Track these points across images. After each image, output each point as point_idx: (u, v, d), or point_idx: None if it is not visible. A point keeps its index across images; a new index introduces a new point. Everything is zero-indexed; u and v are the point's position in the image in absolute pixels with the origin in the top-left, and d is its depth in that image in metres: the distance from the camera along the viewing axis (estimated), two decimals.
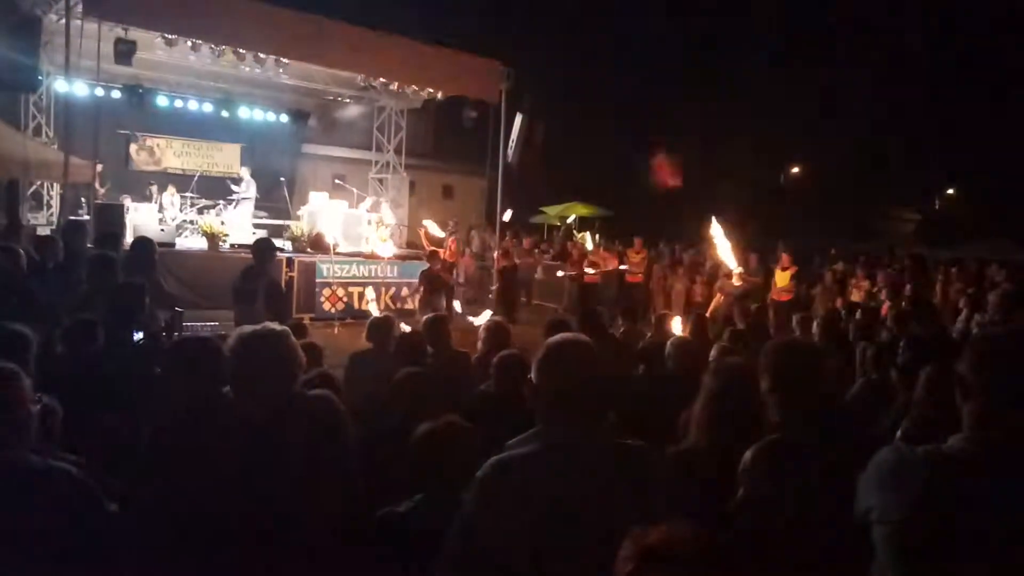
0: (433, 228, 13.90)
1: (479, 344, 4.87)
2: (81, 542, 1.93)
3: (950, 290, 11.94)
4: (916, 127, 32.71)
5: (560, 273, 15.36)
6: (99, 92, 12.65)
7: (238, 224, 13.64)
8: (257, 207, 15.35)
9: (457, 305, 9.77)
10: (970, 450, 1.50)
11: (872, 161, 33.59)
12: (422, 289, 9.86)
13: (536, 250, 17.40)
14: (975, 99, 32.37)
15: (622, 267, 14.43)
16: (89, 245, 6.95)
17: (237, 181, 15.07)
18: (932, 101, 32.91)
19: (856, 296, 11.75)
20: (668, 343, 4.88)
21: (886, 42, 32.97)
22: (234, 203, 14.48)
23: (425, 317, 4.85)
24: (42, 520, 1.88)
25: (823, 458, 1.95)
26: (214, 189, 15.41)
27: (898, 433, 3.22)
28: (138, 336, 4.37)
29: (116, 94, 15.15)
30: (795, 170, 35.34)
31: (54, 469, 1.99)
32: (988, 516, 1.41)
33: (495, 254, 14.37)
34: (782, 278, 12.17)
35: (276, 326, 2.43)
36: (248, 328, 2.36)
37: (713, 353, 4.90)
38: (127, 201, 13.23)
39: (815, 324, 6.12)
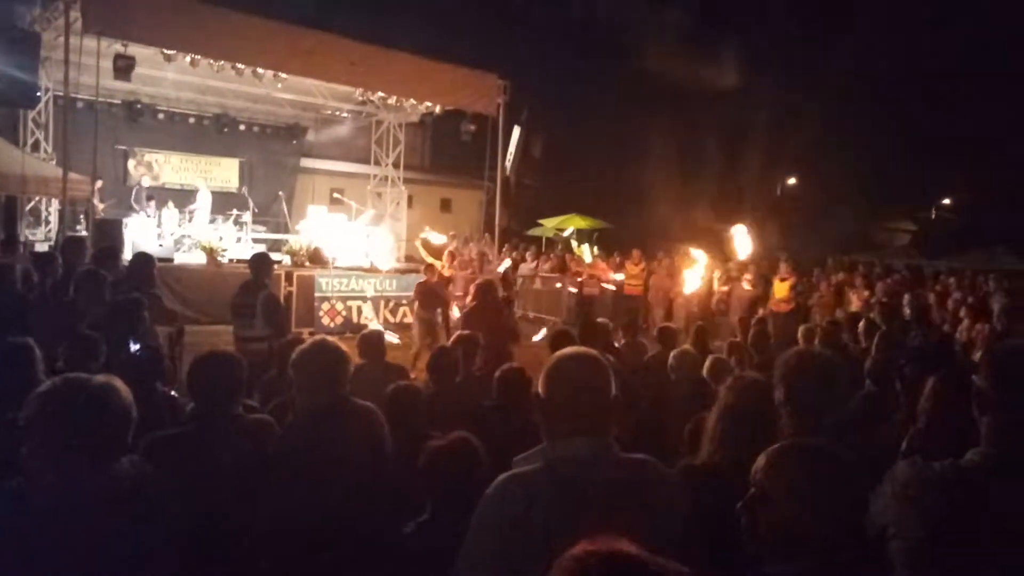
0: (434, 237, 13.82)
1: (469, 300, 5.19)
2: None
3: (948, 300, 11.94)
4: (911, 137, 32.89)
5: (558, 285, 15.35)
6: (98, 108, 12.66)
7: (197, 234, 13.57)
8: (255, 221, 15.35)
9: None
10: (989, 465, 1.49)
11: (868, 172, 33.73)
12: (416, 303, 9.79)
13: (535, 264, 17.38)
14: (969, 108, 32.57)
15: (607, 283, 14.48)
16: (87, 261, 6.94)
17: (194, 193, 14.93)
18: (926, 111, 33.12)
19: (855, 306, 11.75)
20: (671, 355, 4.87)
21: (880, 52, 33.20)
22: (189, 215, 14.30)
23: (457, 334, 4.85)
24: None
25: (835, 462, 1.93)
26: (213, 204, 15.40)
27: (903, 444, 3.20)
28: (135, 347, 4.34)
29: (115, 109, 15.21)
30: (791, 182, 35.49)
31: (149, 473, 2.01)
32: (1008, 529, 1.40)
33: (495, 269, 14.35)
34: (781, 289, 12.19)
35: (329, 341, 2.70)
36: (305, 343, 2.71)
37: (707, 366, 4.88)
38: (141, 212, 13.12)
39: (817, 335, 6.11)
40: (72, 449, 1.81)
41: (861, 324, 6.76)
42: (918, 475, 1.53)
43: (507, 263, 14.20)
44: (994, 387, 1.54)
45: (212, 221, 14.28)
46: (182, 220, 14.16)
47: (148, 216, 13.63)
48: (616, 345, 6.20)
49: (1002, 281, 13.91)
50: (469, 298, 6.32)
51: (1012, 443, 1.49)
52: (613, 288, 14.54)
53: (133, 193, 14.45)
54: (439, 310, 9.13)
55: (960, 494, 1.46)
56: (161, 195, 15.60)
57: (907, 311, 6.36)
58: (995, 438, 1.52)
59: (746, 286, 12.43)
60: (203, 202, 14.37)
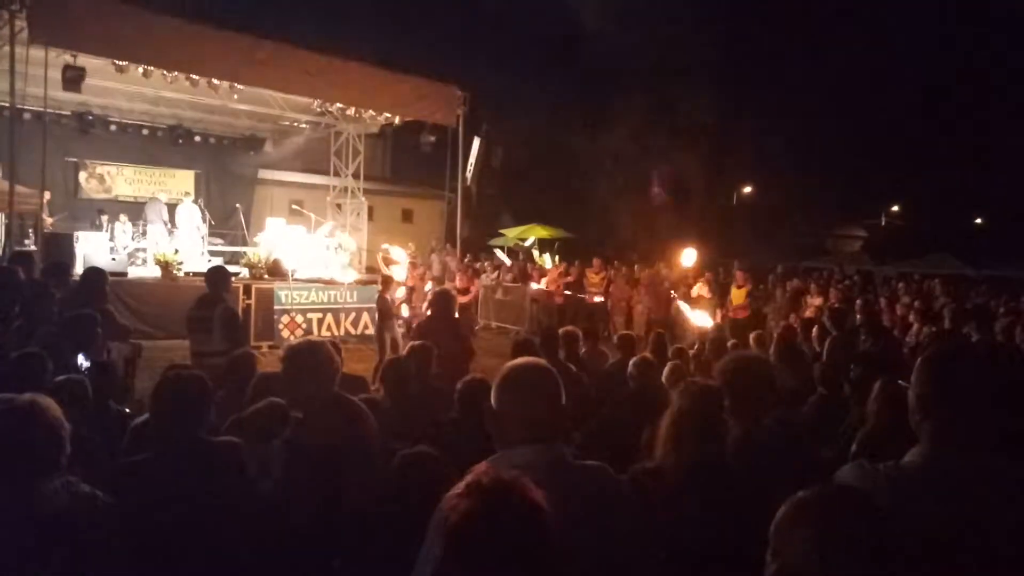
0: (395, 253, 13.78)
1: (425, 308, 5.32)
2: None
3: (897, 305, 12.30)
4: (861, 146, 33.92)
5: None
6: (46, 119, 12.33)
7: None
8: (212, 234, 15.13)
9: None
10: (928, 465, 1.55)
11: (819, 181, 34.62)
12: (377, 316, 9.78)
13: (497, 272, 17.43)
14: (917, 118, 33.76)
15: (536, 285, 14.54)
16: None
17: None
18: (876, 120, 34.18)
19: (810, 313, 12.02)
20: (630, 363, 4.93)
21: (831, 65, 34.20)
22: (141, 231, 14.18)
23: (410, 345, 4.80)
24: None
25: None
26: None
27: (853, 447, 3.30)
28: (85, 364, 4.24)
29: (65, 121, 14.85)
30: (747, 190, 36.23)
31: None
32: (948, 529, 1.45)
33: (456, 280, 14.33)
34: (738, 296, 12.42)
35: (315, 339, 2.90)
36: (298, 343, 2.89)
37: (666, 372, 4.97)
38: (160, 225, 13.13)
39: (772, 341, 6.24)
40: None
41: (814, 330, 6.94)
42: (863, 477, 1.59)
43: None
44: (928, 389, 1.60)
45: (203, 235, 14.34)
46: (135, 235, 13.91)
47: (168, 230, 13.80)
48: (580, 353, 6.25)
49: (947, 286, 14.45)
50: (425, 306, 6.32)
51: (948, 443, 1.55)
52: (540, 288, 14.64)
53: (154, 210, 14.45)
54: (399, 322, 9.17)
55: (902, 494, 1.51)
56: (114, 208, 15.28)
57: (858, 316, 6.54)
58: (933, 439, 1.58)
59: (705, 293, 12.64)
60: (188, 216, 14.24)
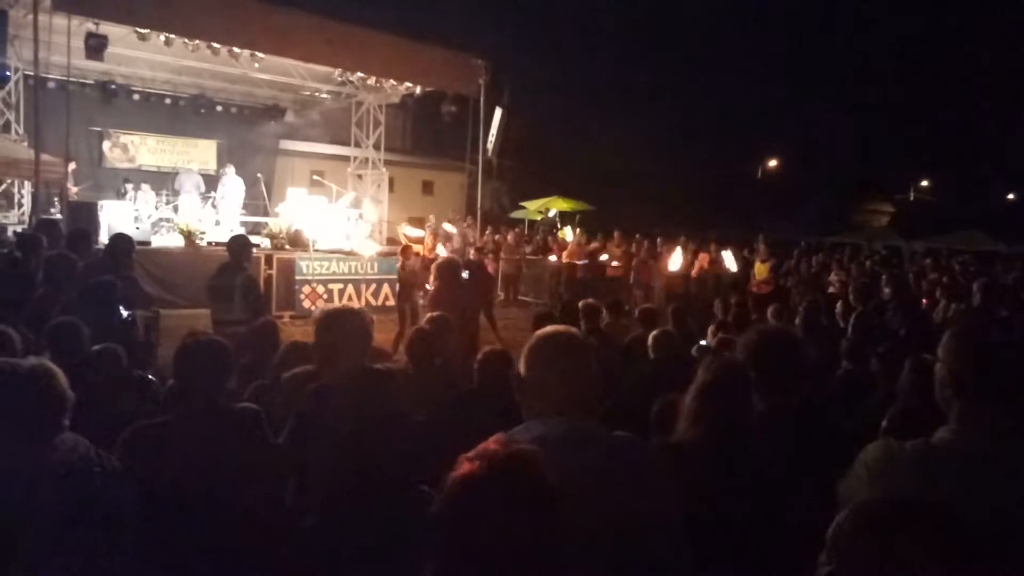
0: (409, 230, 13.79)
1: (431, 280, 5.44)
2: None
3: (924, 281, 12.09)
4: (891, 120, 33.16)
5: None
6: (70, 88, 12.39)
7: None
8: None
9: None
10: (958, 443, 1.49)
11: (847, 154, 33.97)
12: (399, 287, 9.84)
13: (519, 245, 17.35)
14: (947, 94, 32.89)
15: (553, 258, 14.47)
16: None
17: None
18: (906, 95, 33.37)
19: (835, 287, 11.86)
20: (650, 336, 4.88)
21: (861, 39, 33.35)
22: (211, 202, 14.37)
23: (430, 315, 4.77)
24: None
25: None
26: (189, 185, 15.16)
27: (884, 424, 3.23)
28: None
29: (88, 90, 14.92)
30: (772, 163, 35.68)
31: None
32: (976, 510, 1.40)
33: (472, 251, 14.29)
34: (761, 270, 12.27)
35: (351, 307, 2.87)
36: (334, 310, 2.83)
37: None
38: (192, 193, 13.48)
39: (798, 315, 6.14)
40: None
41: (839, 305, 6.83)
42: (890, 454, 1.54)
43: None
44: (961, 367, 1.54)
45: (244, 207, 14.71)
46: (159, 204, 14.03)
47: (203, 200, 14.05)
48: (601, 326, 6.20)
49: (968, 265, 14.16)
50: (431, 278, 6.31)
51: (979, 422, 1.49)
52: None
53: (190, 180, 14.75)
54: (419, 293, 9.18)
55: (930, 472, 1.46)
56: (137, 177, 15.39)
57: (886, 291, 6.41)
58: (963, 417, 1.52)
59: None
60: (230, 188, 14.42)
